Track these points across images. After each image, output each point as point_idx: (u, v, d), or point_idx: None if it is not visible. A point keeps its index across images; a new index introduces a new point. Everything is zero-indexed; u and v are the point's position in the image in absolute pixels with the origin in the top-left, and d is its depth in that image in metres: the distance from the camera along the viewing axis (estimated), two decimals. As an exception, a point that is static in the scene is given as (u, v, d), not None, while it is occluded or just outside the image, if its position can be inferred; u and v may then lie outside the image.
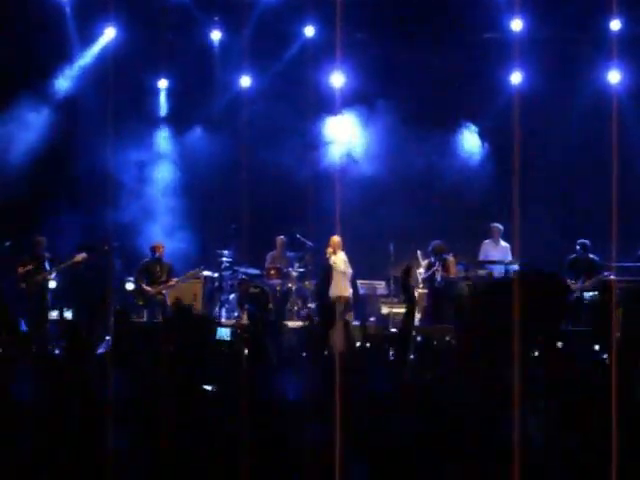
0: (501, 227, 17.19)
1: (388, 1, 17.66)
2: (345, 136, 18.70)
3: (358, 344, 12.66)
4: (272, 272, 17.42)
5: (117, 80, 16.93)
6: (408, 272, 12.50)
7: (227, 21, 18.62)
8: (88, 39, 18.35)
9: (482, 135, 18.60)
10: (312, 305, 17.23)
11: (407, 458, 5.76)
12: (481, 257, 17.25)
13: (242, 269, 17.56)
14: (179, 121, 19.09)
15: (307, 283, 17.51)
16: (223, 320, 16.48)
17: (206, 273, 17.31)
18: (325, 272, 16.00)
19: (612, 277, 15.86)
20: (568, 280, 15.64)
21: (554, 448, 5.88)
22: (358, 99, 18.44)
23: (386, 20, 17.92)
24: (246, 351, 9.41)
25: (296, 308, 17.25)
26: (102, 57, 18.23)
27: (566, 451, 5.80)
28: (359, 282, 17.20)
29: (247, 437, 5.81)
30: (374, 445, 5.86)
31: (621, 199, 14.53)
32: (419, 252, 16.57)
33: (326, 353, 11.39)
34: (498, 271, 16.68)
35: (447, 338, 12.91)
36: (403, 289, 12.84)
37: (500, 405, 6.20)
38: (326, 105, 18.43)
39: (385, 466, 5.75)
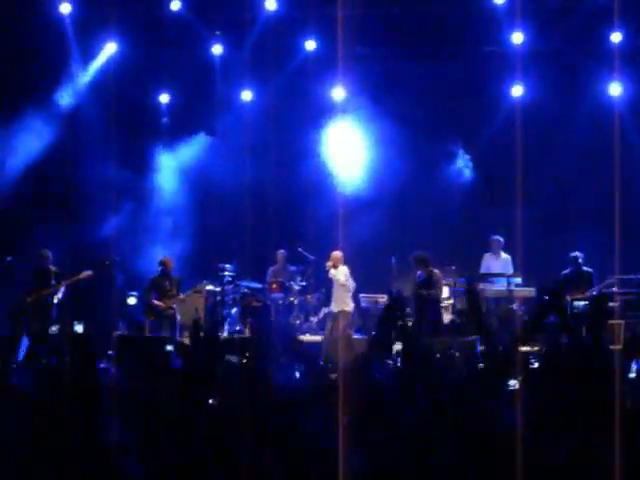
0: (501, 239, 17.18)
1: (388, 15, 17.68)
2: (345, 149, 18.68)
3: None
4: (274, 286, 17.48)
5: (118, 95, 17.00)
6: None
7: (228, 35, 18.64)
8: (89, 54, 18.37)
9: (483, 149, 18.56)
10: (314, 318, 17.23)
11: None
12: (482, 270, 17.25)
13: (244, 283, 17.60)
14: (180, 135, 19.09)
15: (309, 297, 17.53)
16: (226, 334, 16.47)
17: (208, 287, 17.32)
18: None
19: (614, 289, 15.87)
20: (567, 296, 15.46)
21: None
22: (359, 112, 18.45)
23: (387, 34, 17.95)
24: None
25: (298, 322, 17.26)
26: (103, 72, 18.26)
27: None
28: (361, 295, 17.17)
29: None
30: None
31: (622, 212, 14.61)
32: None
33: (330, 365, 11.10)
34: (499, 284, 16.66)
35: None
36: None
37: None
38: (326, 118, 18.47)
39: None
